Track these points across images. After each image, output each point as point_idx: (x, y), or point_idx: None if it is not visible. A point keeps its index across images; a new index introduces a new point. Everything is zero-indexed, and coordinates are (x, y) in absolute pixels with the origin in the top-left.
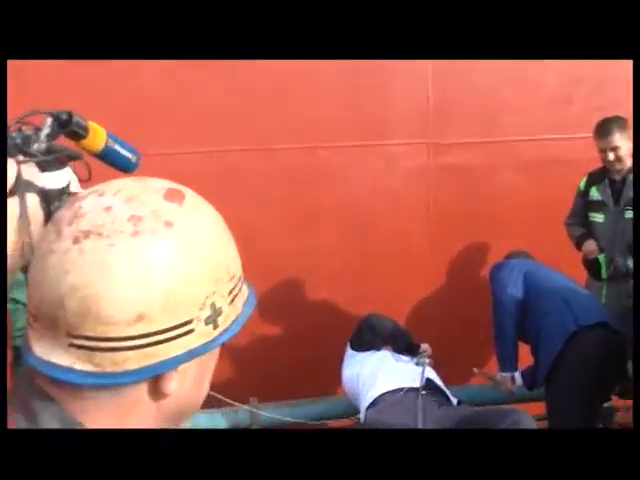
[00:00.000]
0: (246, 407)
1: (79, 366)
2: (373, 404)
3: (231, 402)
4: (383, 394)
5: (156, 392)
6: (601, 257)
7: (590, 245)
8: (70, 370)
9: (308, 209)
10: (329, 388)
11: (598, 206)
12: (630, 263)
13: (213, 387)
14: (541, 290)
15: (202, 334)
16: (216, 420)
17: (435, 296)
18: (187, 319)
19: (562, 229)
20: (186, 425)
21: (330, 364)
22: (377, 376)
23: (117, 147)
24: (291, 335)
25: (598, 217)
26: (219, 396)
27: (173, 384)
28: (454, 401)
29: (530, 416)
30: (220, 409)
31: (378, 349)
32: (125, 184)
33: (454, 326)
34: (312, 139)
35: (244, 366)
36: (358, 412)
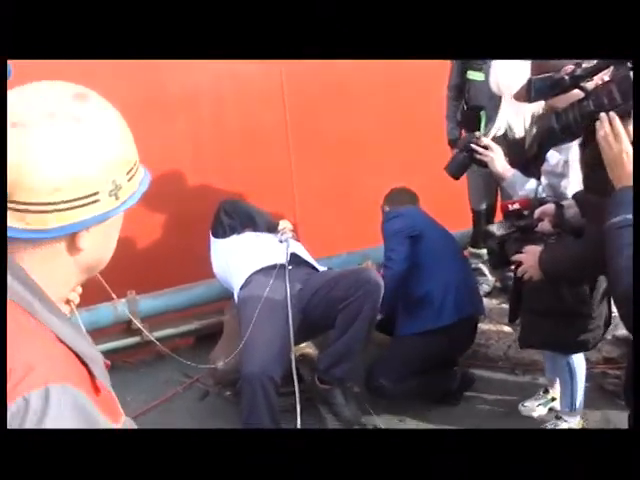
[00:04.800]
0: (124, 300)
1: (15, 224)
2: (244, 285)
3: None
4: (252, 274)
5: (73, 247)
6: (482, 113)
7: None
8: (10, 228)
9: (154, 98)
10: (204, 273)
11: (477, 65)
12: None
13: (94, 286)
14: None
15: (106, 203)
16: (99, 315)
17: (297, 171)
18: (94, 191)
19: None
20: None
21: (202, 249)
22: (244, 258)
23: None
24: (160, 226)
25: (478, 76)
26: (103, 282)
27: (85, 241)
28: (322, 270)
29: (374, 274)
30: (100, 305)
31: (239, 233)
32: (41, 86)
33: (319, 201)
34: None
35: (120, 263)
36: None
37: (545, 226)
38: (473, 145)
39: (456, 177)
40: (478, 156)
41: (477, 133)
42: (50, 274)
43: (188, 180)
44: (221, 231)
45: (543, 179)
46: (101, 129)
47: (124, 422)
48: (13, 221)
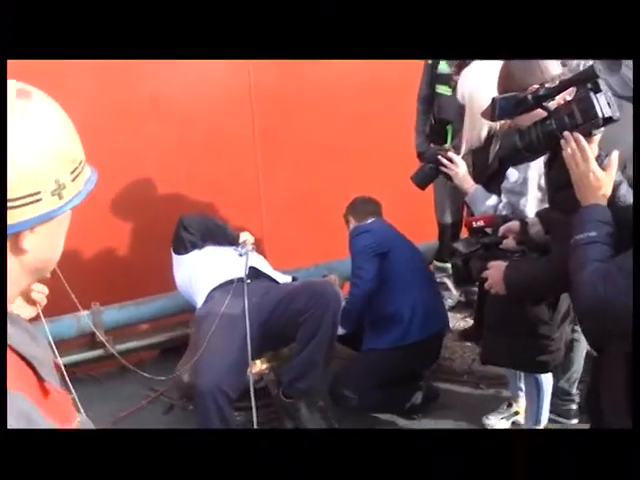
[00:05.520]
0: (87, 312)
1: None
2: (205, 301)
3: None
4: (212, 290)
5: (16, 248)
6: (448, 127)
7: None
8: None
9: (121, 107)
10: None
11: (445, 79)
12: None
13: (56, 297)
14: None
15: (49, 203)
16: (62, 327)
17: (265, 182)
18: (36, 191)
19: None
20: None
21: (168, 260)
22: (205, 274)
23: None
24: (126, 236)
25: (446, 90)
26: (71, 294)
27: (29, 241)
28: (285, 279)
29: (331, 286)
30: (63, 317)
31: (200, 248)
32: None
33: (286, 213)
34: None
35: (83, 274)
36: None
37: (510, 243)
38: (440, 157)
39: (422, 187)
40: (443, 169)
41: (446, 146)
42: None
43: (154, 190)
44: (182, 247)
45: (503, 197)
46: (44, 127)
47: (80, 422)
48: None
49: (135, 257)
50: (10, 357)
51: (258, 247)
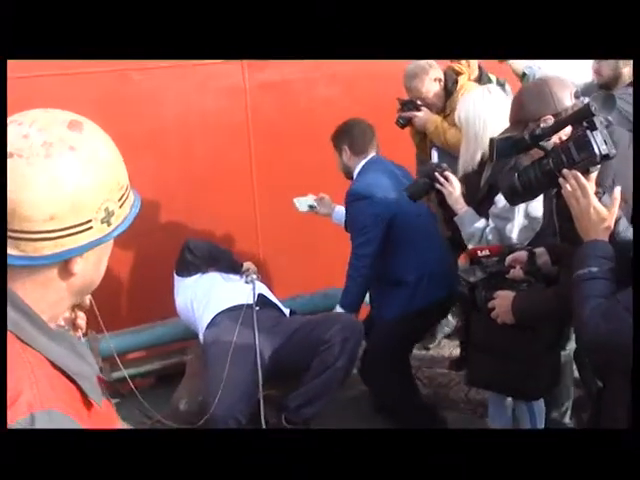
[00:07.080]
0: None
1: (10, 252)
2: (210, 325)
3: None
4: (218, 314)
5: (65, 272)
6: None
7: None
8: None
9: (121, 136)
10: (168, 311)
11: None
12: None
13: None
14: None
15: (99, 230)
16: None
17: (260, 214)
18: (87, 219)
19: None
20: None
21: (166, 287)
22: (210, 297)
23: None
24: (124, 263)
25: None
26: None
27: (78, 266)
28: (287, 312)
29: (356, 320)
30: None
31: (204, 272)
32: (37, 116)
33: (280, 243)
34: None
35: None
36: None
37: (517, 273)
38: (436, 174)
39: (414, 200)
40: (437, 185)
41: (444, 164)
42: (43, 298)
43: (153, 218)
44: (185, 270)
45: (490, 221)
46: (95, 158)
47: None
48: (9, 248)
49: (132, 285)
50: (51, 373)
51: None
